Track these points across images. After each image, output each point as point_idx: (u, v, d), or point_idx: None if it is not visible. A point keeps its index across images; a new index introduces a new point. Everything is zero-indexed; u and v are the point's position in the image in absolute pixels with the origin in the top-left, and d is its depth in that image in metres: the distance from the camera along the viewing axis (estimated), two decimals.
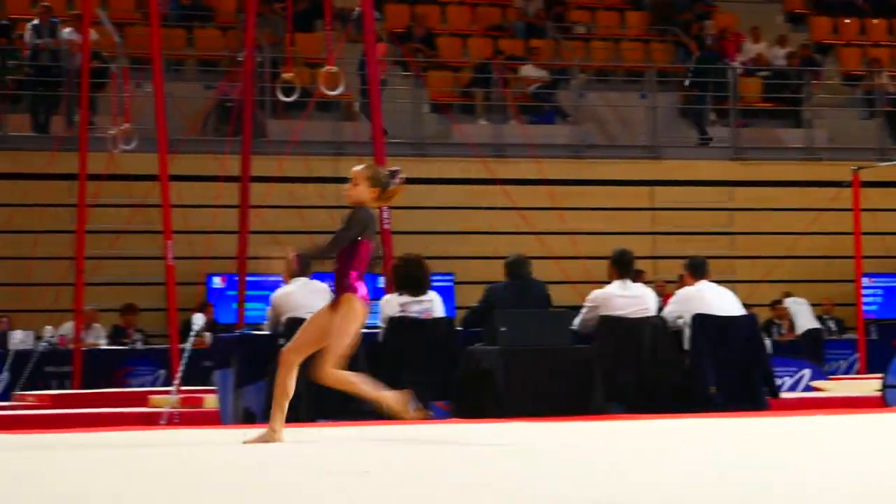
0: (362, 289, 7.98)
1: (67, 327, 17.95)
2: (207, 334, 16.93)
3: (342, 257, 7.96)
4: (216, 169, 17.60)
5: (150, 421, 12.31)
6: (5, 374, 15.17)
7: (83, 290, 17.32)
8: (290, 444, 7.90)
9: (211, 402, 12.37)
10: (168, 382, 16.06)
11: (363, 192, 7.95)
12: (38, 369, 16.13)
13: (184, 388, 12.91)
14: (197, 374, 14.81)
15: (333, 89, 13.85)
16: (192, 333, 12.49)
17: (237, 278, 17.01)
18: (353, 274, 7.92)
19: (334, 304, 7.96)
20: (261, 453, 7.36)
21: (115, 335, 18.81)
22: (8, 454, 7.71)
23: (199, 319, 12.51)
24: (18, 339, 16.29)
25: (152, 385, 17.57)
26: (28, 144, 20.02)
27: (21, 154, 19.83)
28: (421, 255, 11.30)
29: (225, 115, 20.59)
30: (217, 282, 20.11)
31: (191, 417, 12.22)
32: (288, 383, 7.97)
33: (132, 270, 20.06)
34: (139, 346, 18.47)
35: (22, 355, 15.73)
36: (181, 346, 14.00)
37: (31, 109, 20.70)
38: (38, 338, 17.14)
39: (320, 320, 8.01)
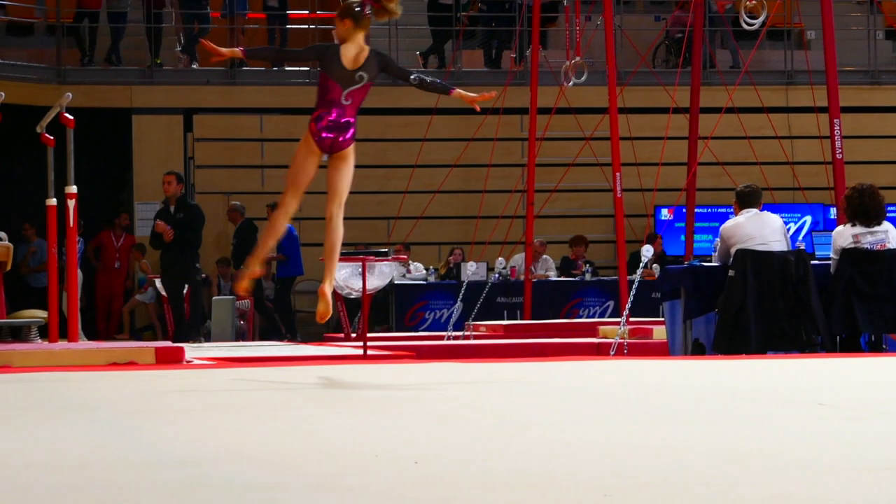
0: (319, 122, 8.05)
1: (518, 259, 18.44)
2: (656, 266, 17.02)
3: (361, 101, 8.13)
4: (665, 101, 17.61)
5: (599, 351, 12.52)
6: (459, 304, 15.73)
7: (533, 223, 17.73)
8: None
9: (660, 333, 12.46)
10: (616, 313, 16.29)
11: (339, 29, 7.94)
12: (489, 300, 16.66)
13: (633, 319, 13.05)
14: (645, 305, 14.95)
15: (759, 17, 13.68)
16: (641, 265, 12.59)
17: (685, 210, 17.02)
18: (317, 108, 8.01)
19: (338, 148, 8.28)
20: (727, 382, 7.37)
21: (565, 267, 19.18)
22: (461, 384, 8.01)
23: (647, 251, 12.58)
24: (471, 270, 16.84)
25: (601, 316, 17.85)
26: (481, 79, 20.59)
27: (473, 89, 20.36)
28: (874, 185, 10.98)
29: (674, 47, 20.55)
30: (665, 214, 20.18)
31: (639, 348, 12.36)
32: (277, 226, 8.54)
33: (581, 203, 20.40)
34: (588, 277, 18.76)
35: (475, 286, 16.27)
36: (630, 277, 14.15)
37: (484, 45, 21.28)
38: (490, 269, 17.68)
39: (333, 169, 8.52)
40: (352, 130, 8.08)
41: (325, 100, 8.03)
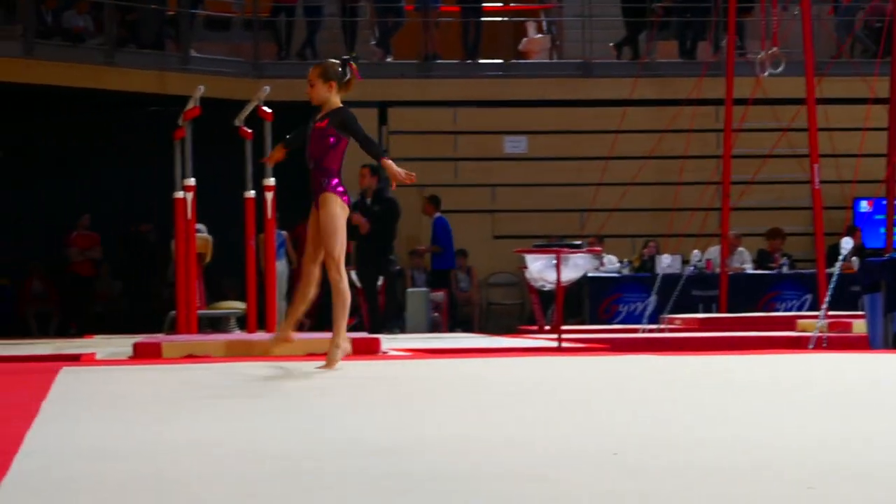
0: (340, 186, 8.12)
1: (714, 251, 18.22)
2: (854, 259, 16.65)
3: (327, 156, 8.11)
4: (864, 91, 17.23)
5: (797, 345, 12.32)
6: (653, 298, 15.60)
7: (729, 215, 17.51)
8: None
9: (859, 326, 12.21)
10: (814, 307, 15.98)
11: (322, 91, 8.17)
12: (685, 293, 16.48)
13: (831, 312, 12.80)
14: (845, 298, 14.64)
15: None
16: (840, 258, 12.34)
17: (885, 202, 16.63)
18: (335, 170, 8.11)
19: (317, 204, 8.10)
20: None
21: (761, 259, 18.90)
22: (656, 376, 7.96)
23: (847, 244, 12.33)
24: (666, 263, 16.68)
25: (798, 309, 17.54)
26: (675, 70, 20.41)
27: (668, 80, 20.24)
28: None
29: (873, 36, 20.09)
30: (864, 206, 19.76)
31: (839, 342, 12.13)
32: (305, 293, 8.16)
33: (778, 195, 20.07)
34: (785, 270, 18.46)
35: (669, 279, 16.12)
36: (828, 270, 13.87)
37: (679, 35, 21.07)
38: (685, 262, 17.50)
39: (313, 222, 8.15)
40: None
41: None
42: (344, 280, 8.12)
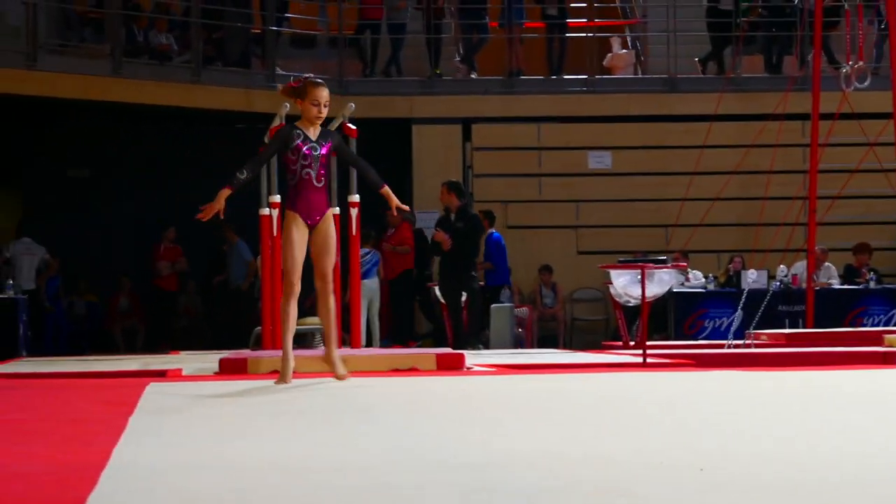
0: (297, 202, 8.31)
1: (800, 266, 18.05)
2: None
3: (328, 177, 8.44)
4: None
5: (885, 360, 12.15)
6: (739, 313, 15.48)
7: (815, 230, 17.34)
8: None
9: None
10: None
11: (299, 106, 8.44)
12: (770, 308, 16.33)
13: None
14: None
15: None
16: None
17: None
18: (290, 190, 8.32)
19: (314, 221, 8.40)
20: None
21: (848, 274, 18.69)
22: (743, 392, 7.89)
23: None
24: (752, 278, 16.54)
25: (886, 325, 17.33)
26: (761, 85, 20.25)
27: (754, 95, 20.10)
28: None
29: None
30: None
31: None
32: (328, 311, 8.47)
33: (865, 209, 19.85)
34: (872, 285, 18.24)
35: (755, 294, 15.98)
36: None
37: (764, 50, 20.92)
38: (771, 277, 17.34)
39: (317, 240, 8.46)
40: None
41: (294, 179, 8.52)
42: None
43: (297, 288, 8.35)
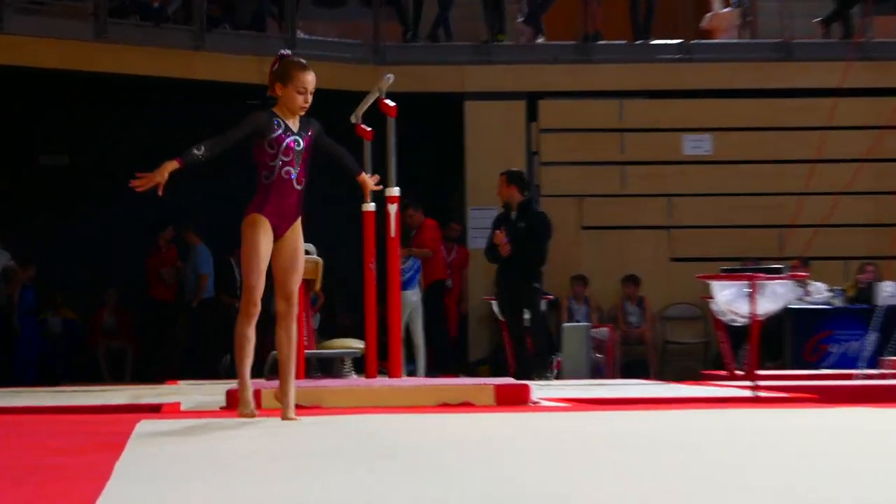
0: (266, 205, 8.47)
1: None
2: None
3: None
4: None
5: None
6: (872, 335, 15.39)
7: None
8: None
9: None
10: None
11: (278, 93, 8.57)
12: None
13: None
14: None
15: None
16: None
17: None
18: (261, 189, 8.47)
19: (282, 231, 8.59)
20: None
21: None
22: (874, 433, 7.83)
23: None
24: (888, 291, 16.48)
25: None
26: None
27: (888, 64, 20.00)
28: None
29: None
30: None
31: None
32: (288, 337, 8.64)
33: None
34: None
35: (892, 312, 15.89)
36: None
37: None
38: None
39: (285, 251, 8.65)
40: None
41: (270, 175, 8.67)
42: None
43: (259, 308, 8.48)
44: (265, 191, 8.48)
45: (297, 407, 8.60)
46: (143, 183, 8.23)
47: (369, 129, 12.00)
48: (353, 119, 12.17)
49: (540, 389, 11.42)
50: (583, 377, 16.25)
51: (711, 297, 12.67)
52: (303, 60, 8.67)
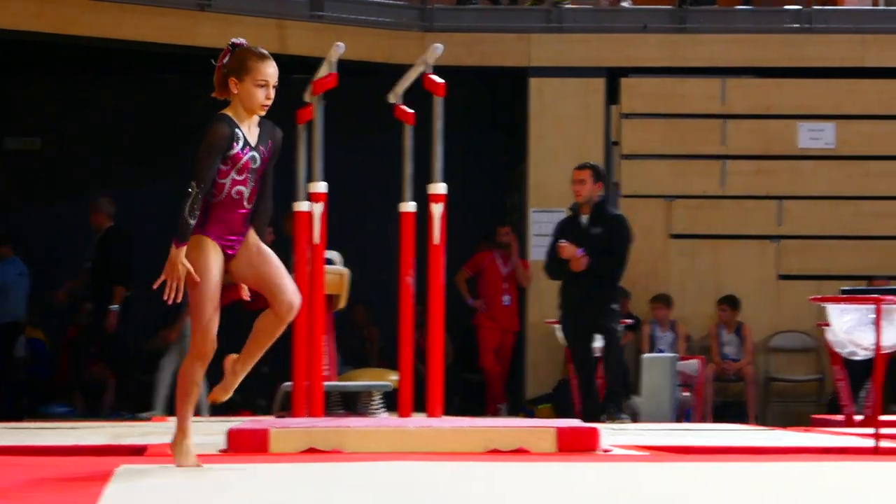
0: (210, 225, 8.46)
1: None
2: None
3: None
4: None
5: None
6: None
7: None
8: None
9: None
10: None
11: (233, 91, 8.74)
12: None
13: None
14: None
15: None
16: None
17: None
18: (210, 210, 8.47)
19: (236, 247, 8.59)
20: None
21: None
22: None
23: None
24: None
25: None
26: None
27: None
28: None
29: None
30: None
31: None
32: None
33: None
34: None
35: None
36: None
37: None
38: None
39: (244, 267, 8.66)
40: None
41: (222, 197, 8.65)
42: None
43: (215, 346, 8.49)
44: (210, 209, 8.46)
45: (313, 450, 8.57)
46: (170, 286, 8.30)
47: (411, 111, 12.02)
48: (391, 98, 12.20)
49: (612, 434, 11.44)
50: (666, 420, 16.26)
51: (827, 325, 12.66)
52: (262, 49, 8.67)
